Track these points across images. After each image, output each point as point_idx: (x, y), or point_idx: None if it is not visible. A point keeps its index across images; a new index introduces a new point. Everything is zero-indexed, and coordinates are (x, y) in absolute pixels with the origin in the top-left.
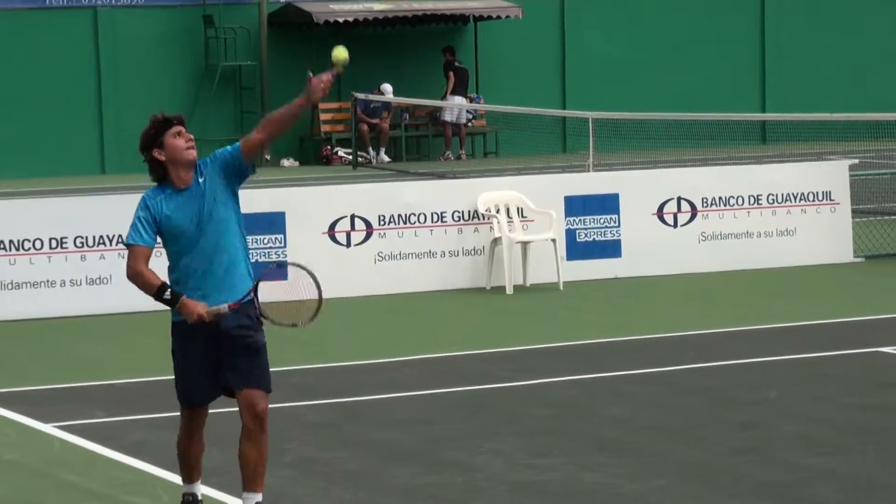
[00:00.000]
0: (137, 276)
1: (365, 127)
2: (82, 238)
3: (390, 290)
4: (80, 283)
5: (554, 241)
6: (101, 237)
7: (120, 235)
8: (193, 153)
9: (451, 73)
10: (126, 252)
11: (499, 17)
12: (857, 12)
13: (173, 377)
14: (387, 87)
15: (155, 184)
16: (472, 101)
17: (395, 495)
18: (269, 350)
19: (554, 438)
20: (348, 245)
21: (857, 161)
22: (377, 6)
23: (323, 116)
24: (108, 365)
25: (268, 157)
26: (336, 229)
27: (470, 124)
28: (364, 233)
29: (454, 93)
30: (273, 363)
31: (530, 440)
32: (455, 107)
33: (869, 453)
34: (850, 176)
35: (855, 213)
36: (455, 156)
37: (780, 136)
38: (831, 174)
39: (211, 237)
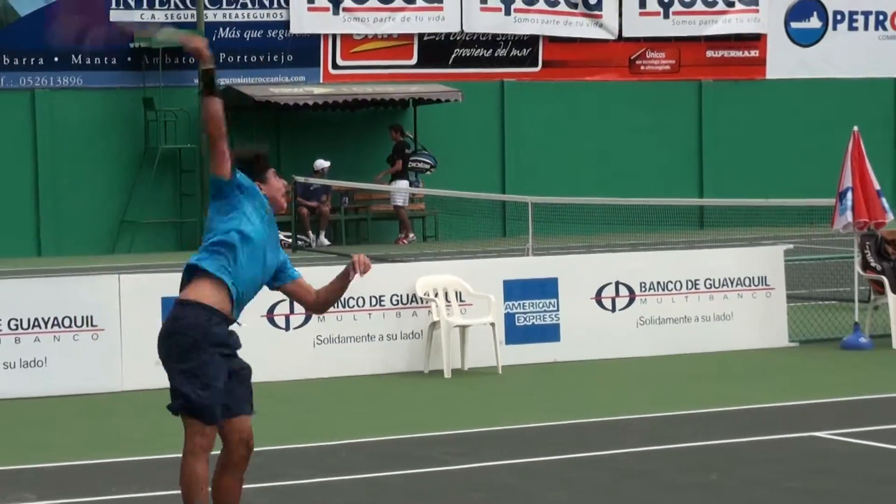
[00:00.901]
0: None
1: (305, 210)
2: (16, 321)
3: (329, 374)
4: (14, 366)
5: (493, 325)
6: (36, 319)
7: (55, 318)
8: (285, 203)
9: (399, 160)
10: None
11: (439, 101)
12: (790, 105)
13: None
14: (321, 163)
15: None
16: (412, 184)
17: None
18: None
19: None
20: (287, 328)
21: (791, 246)
22: (317, 90)
23: None
24: (40, 448)
25: None
26: (275, 312)
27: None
28: (303, 316)
29: (400, 176)
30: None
31: None
32: (403, 191)
33: None
34: (786, 261)
35: (789, 298)
36: (403, 239)
37: (716, 222)
38: (767, 259)
39: (270, 265)
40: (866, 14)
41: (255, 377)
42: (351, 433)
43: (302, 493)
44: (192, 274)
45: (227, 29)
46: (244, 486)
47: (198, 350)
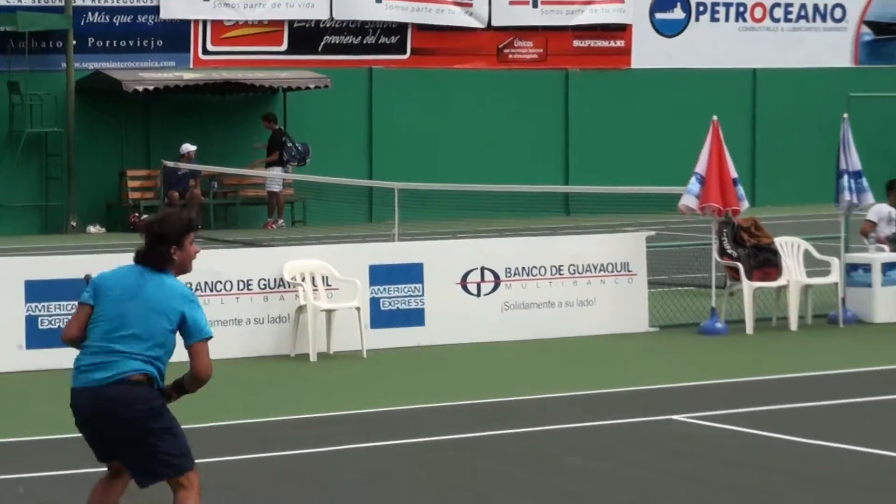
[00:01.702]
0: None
1: (176, 194)
2: None
3: None
4: None
5: (358, 309)
6: None
7: None
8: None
9: (277, 151)
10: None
11: (308, 88)
12: (654, 94)
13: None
14: (187, 147)
15: None
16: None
17: None
18: None
19: None
20: None
21: (653, 233)
22: (186, 74)
23: (131, 184)
24: None
25: (73, 224)
26: None
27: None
28: None
29: (276, 164)
30: None
31: None
32: (278, 177)
33: None
34: (647, 247)
35: (650, 283)
36: (273, 223)
37: (581, 209)
38: (629, 246)
39: None
40: (727, 6)
41: None
42: (217, 416)
43: None
44: None
45: (96, 13)
46: None
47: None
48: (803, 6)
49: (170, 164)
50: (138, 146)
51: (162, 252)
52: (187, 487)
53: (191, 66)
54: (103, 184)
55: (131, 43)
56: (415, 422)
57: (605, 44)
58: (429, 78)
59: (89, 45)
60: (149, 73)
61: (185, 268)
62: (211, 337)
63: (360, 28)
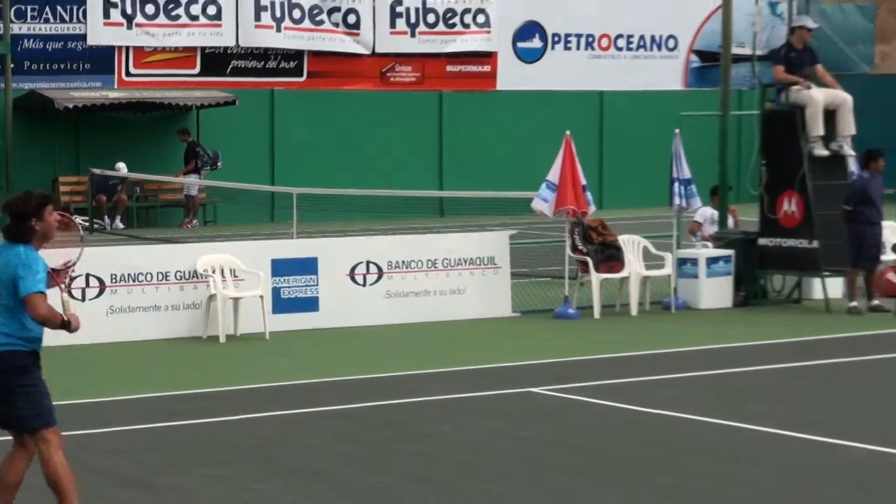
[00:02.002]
0: (52, 314)
1: (104, 197)
2: None
3: (121, 339)
4: None
5: (261, 297)
6: None
7: None
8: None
9: (193, 160)
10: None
11: (218, 105)
12: (516, 112)
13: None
14: (121, 165)
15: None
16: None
17: None
18: None
19: (260, 466)
20: (83, 299)
21: (515, 232)
22: (111, 94)
23: (63, 188)
24: None
25: None
26: (73, 286)
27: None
28: (98, 289)
29: (192, 171)
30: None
31: (240, 468)
32: (194, 183)
33: (531, 479)
34: (510, 244)
35: (513, 275)
36: (188, 223)
37: (454, 211)
38: (495, 243)
39: None
40: (578, 36)
41: (54, 342)
42: (138, 390)
43: (92, 441)
44: None
45: (32, 40)
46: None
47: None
48: (642, 37)
49: (97, 171)
50: (69, 156)
51: (23, 227)
52: (46, 441)
53: (115, 86)
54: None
55: (62, 66)
56: (310, 394)
57: (473, 69)
58: (322, 97)
59: (25, 67)
60: (78, 93)
61: (48, 235)
62: (37, 292)
63: (263, 54)
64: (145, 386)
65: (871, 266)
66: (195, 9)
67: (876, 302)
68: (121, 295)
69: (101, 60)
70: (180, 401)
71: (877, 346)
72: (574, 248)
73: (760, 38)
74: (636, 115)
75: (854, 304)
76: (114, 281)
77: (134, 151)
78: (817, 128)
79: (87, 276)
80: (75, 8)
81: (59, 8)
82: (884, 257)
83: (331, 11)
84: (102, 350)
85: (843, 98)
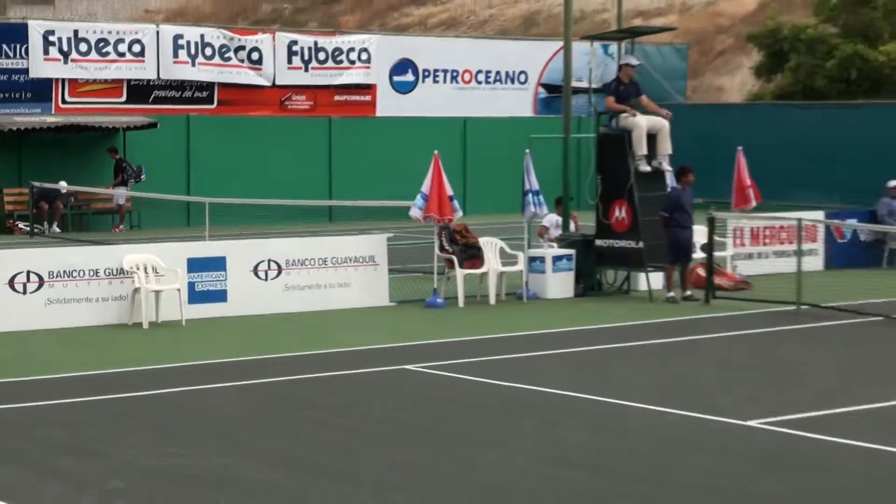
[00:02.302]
0: None
1: (46, 205)
2: None
3: (59, 325)
4: None
5: (179, 290)
6: None
7: None
8: None
9: (121, 174)
10: None
11: (142, 127)
12: (394, 136)
13: None
14: (62, 183)
15: None
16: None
17: (60, 477)
18: None
19: (180, 433)
20: (24, 293)
21: (392, 235)
22: (49, 118)
23: (7, 199)
24: None
25: None
26: (15, 281)
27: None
28: (37, 284)
29: (120, 184)
30: None
31: (162, 435)
32: (122, 194)
33: (407, 439)
34: (388, 245)
35: (390, 271)
36: (116, 228)
37: (342, 217)
38: (375, 244)
39: None
40: (445, 71)
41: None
42: (72, 369)
43: (32, 413)
44: None
45: None
46: None
47: None
48: (498, 73)
49: (37, 184)
50: (13, 172)
51: None
52: None
53: (53, 112)
54: None
55: (7, 95)
56: (222, 371)
57: (357, 98)
58: (230, 122)
59: None
60: (21, 117)
61: None
62: None
63: (180, 85)
64: (78, 366)
65: (685, 263)
66: (122, 47)
67: (689, 293)
68: (57, 289)
69: (41, 90)
70: (107, 378)
71: (688, 329)
72: (441, 248)
73: (595, 73)
74: (494, 138)
75: (671, 294)
76: (51, 277)
77: (69, 166)
78: (642, 148)
79: (28, 272)
80: (19, 46)
81: (4, 46)
82: (695, 256)
83: (237, 49)
84: (40, 336)
85: (661, 123)
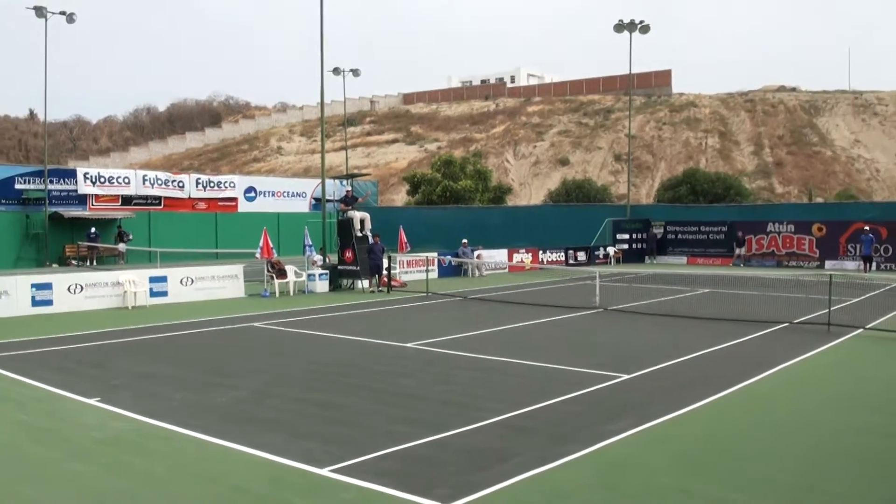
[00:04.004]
0: None
1: (86, 251)
2: None
3: (90, 308)
4: None
5: (146, 291)
6: None
7: None
8: None
9: (121, 237)
10: None
11: (128, 217)
12: (246, 221)
13: None
14: (122, 246)
15: None
16: None
17: (84, 378)
18: None
19: (154, 358)
20: (74, 293)
21: (246, 263)
22: (85, 213)
23: (68, 251)
24: None
25: None
26: (70, 287)
27: None
28: (81, 287)
29: (122, 242)
30: None
31: (143, 358)
32: (122, 247)
33: (246, 356)
34: (244, 268)
35: (245, 279)
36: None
37: (223, 257)
38: (238, 268)
39: None
40: (269, 192)
41: None
42: (94, 328)
43: (63, 350)
44: None
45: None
46: None
47: None
48: (294, 192)
49: (82, 243)
50: (68, 237)
51: None
52: None
53: (87, 210)
54: None
55: (65, 201)
56: (169, 329)
57: (229, 203)
58: (170, 214)
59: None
60: (71, 212)
61: None
62: None
63: (146, 197)
64: (100, 326)
65: (378, 274)
66: (119, 180)
67: (381, 289)
68: (88, 290)
69: (82, 199)
70: (115, 332)
71: (380, 304)
72: (269, 269)
73: (337, 193)
74: (291, 221)
75: (372, 289)
76: (88, 285)
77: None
78: (357, 226)
79: (76, 283)
80: (72, 178)
81: (65, 178)
82: (383, 271)
83: (173, 181)
84: (80, 313)
85: (365, 215)
